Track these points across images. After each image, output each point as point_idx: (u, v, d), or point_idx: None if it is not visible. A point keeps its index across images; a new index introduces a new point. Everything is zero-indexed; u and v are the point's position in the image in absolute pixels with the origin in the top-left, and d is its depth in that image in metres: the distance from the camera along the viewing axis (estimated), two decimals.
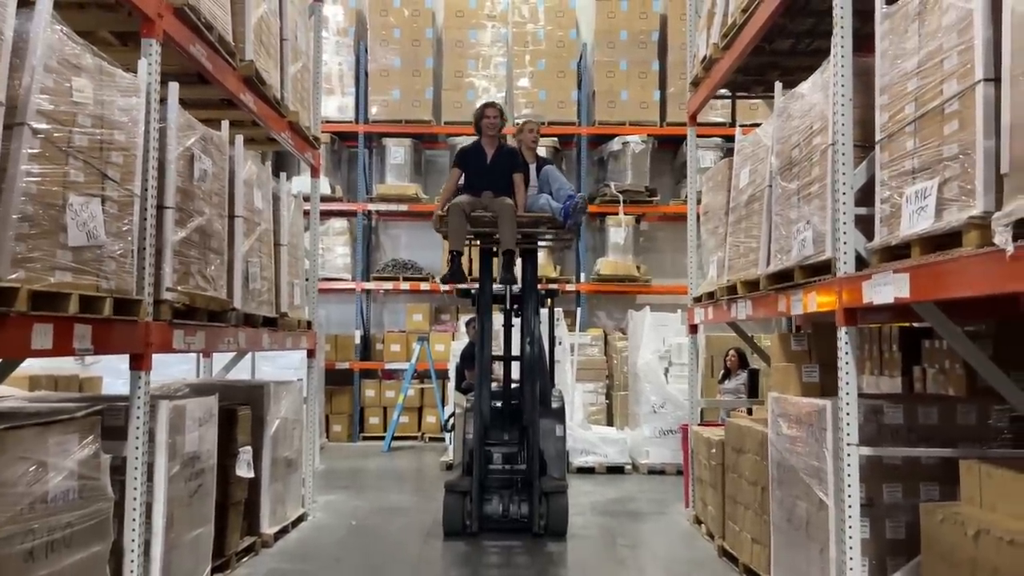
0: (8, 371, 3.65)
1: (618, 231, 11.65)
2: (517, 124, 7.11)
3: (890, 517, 3.66)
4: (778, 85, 4.75)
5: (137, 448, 3.74)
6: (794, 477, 4.17)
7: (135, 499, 3.71)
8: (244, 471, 5.10)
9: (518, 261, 6.31)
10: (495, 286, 6.40)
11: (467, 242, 6.36)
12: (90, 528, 3.23)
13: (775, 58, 5.87)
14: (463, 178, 6.25)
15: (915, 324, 5.42)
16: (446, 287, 11.17)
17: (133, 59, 3.91)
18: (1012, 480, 2.91)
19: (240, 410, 5.20)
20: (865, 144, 3.66)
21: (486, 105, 6.34)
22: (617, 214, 11.45)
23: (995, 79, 2.62)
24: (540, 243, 6.89)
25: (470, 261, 6.47)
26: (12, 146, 2.87)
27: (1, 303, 2.76)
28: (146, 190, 3.82)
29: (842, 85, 3.71)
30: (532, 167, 6.35)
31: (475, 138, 6.40)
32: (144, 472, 3.78)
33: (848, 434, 3.53)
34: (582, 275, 11.79)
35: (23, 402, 4.26)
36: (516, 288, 6.51)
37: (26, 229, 2.91)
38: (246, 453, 5.14)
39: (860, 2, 3.80)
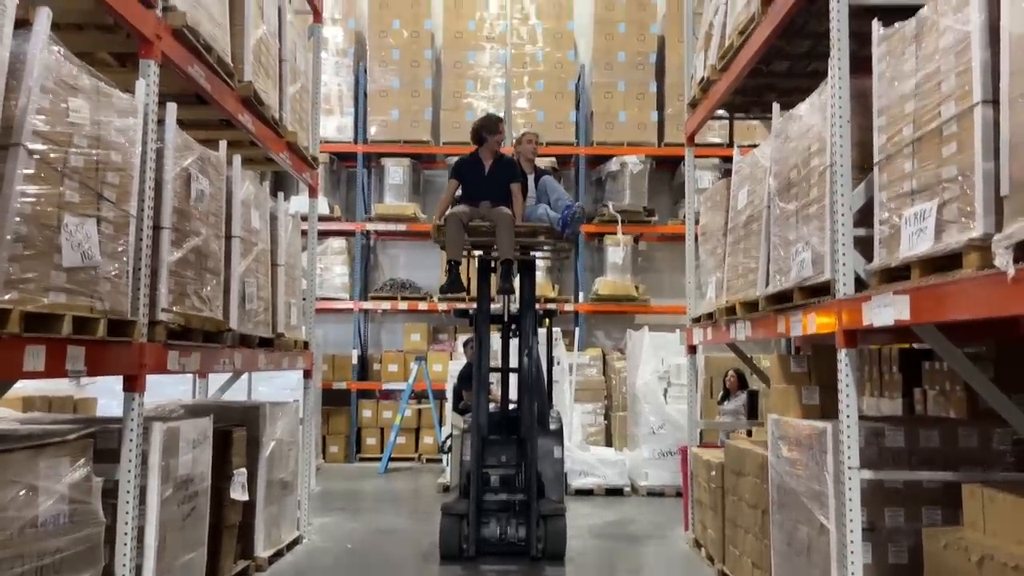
0: (0, 393, 3.61)
1: (616, 251, 11.65)
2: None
3: (892, 542, 3.62)
4: (776, 107, 4.76)
5: (130, 471, 3.70)
6: (795, 501, 4.13)
7: (127, 523, 3.66)
8: (238, 494, 5.05)
9: (516, 278, 6.27)
10: (493, 305, 6.37)
11: (465, 253, 6.32)
12: (81, 553, 3.18)
13: (772, 79, 5.88)
14: (461, 189, 6.22)
15: (915, 345, 5.41)
16: (444, 307, 11.25)
17: (132, 80, 3.91)
18: (1015, 505, 2.88)
19: (235, 431, 5.16)
20: (863, 165, 3.66)
21: (499, 120, 6.30)
22: (615, 234, 11.46)
23: (993, 101, 2.61)
24: (538, 254, 6.86)
25: (468, 280, 6.45)
26: (7, 167, 2.86)
27: None
28: (142, 210, 3.80)
29: (839, 107, 3.71)
30: (530, 178, 6.34)
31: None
32: (136, 496, 3.73)
33: (849, 457, 3.49)
34: (580, 295, 11.78)
35: (15, 424, 4.22)
36: (514, 307, 6.48)
37: (20, 250, 2.89)
38: (241, 475, 5.09)
39: (857, 24, 3.81)
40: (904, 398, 5.42)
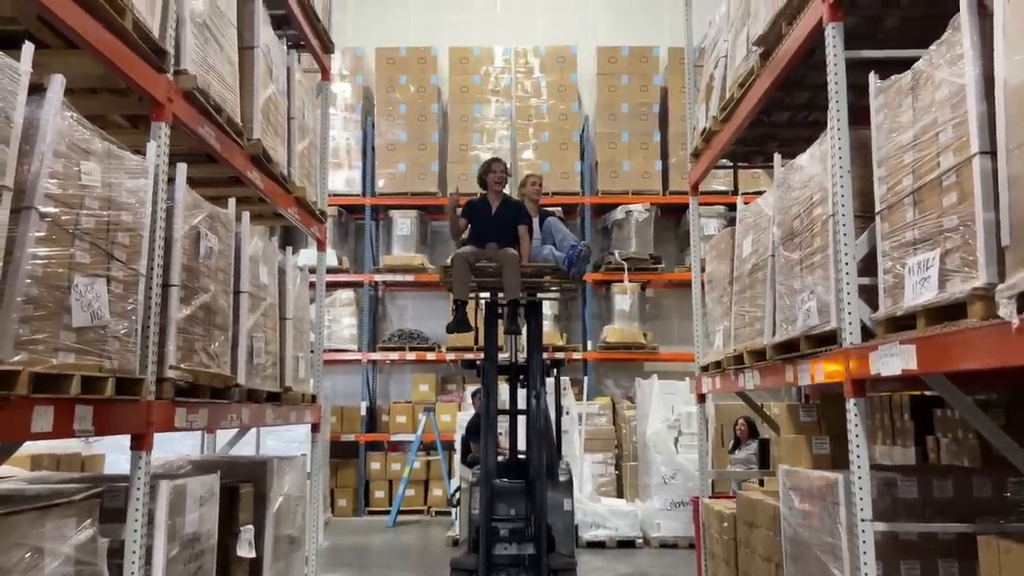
0: (8, 453, 3.60)
1: (624, 298, 11.67)
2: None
3: None
4: (777, 157, 4.80)
5: (136, 531, 3.67)
6: (808, 553, 4.06)
7: None
8: (245, 551, 4.99)
9: (523, 323, 6.26)
10: (501, 355, 6.35)
11: (472, 296, 6.34)
12: None
13: (774, 129, 5.96)
14: (469, 231, 6.30)
15: (926, 392, 5.36)
16: (452, 357, 11.22)
17: (143, 140, 3.98)
18: None
19: (242, 488, 5.12)
20: (866, 215, 3.68)
21: (492, 160, 6.45)
22: (622, 282, 11.49)
23: (991, 152, 2.64)
24: (544, 296, 6.85)
25: (476, 330, 6.44)
26: (19, 230, 2.89)
27: (1, 386, 2.74)
28: (152, 269, 3.84)
29: (840, 158, 3.75)
30: (535, 220, 6.40)
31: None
32: (142, 556, 3.70)
33: (861, 509, 3.45)
34: (589, 343, 11.76)
35: (23, 484, 4.20)
36: (522, 356, 6.46)
37: (30, 311, 2.92)
38: (247, 532, 5.03)
39: (854, 76, 3.88)
40: (917, 446, 5.36)
